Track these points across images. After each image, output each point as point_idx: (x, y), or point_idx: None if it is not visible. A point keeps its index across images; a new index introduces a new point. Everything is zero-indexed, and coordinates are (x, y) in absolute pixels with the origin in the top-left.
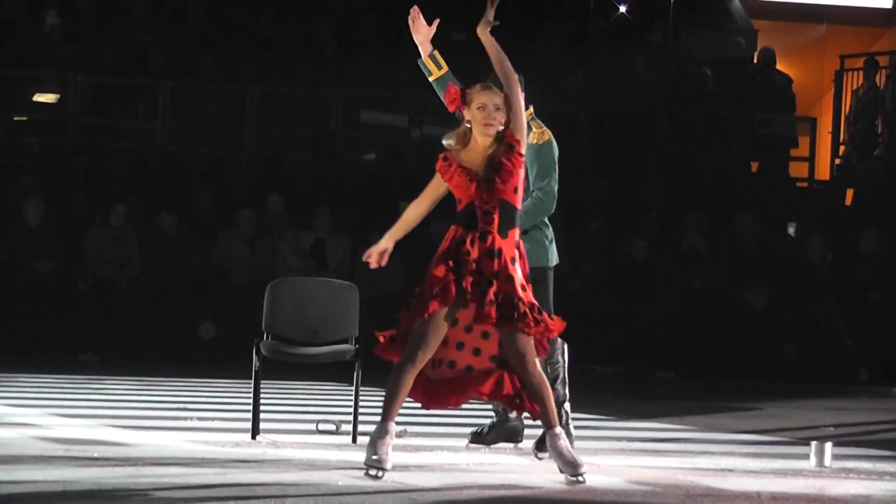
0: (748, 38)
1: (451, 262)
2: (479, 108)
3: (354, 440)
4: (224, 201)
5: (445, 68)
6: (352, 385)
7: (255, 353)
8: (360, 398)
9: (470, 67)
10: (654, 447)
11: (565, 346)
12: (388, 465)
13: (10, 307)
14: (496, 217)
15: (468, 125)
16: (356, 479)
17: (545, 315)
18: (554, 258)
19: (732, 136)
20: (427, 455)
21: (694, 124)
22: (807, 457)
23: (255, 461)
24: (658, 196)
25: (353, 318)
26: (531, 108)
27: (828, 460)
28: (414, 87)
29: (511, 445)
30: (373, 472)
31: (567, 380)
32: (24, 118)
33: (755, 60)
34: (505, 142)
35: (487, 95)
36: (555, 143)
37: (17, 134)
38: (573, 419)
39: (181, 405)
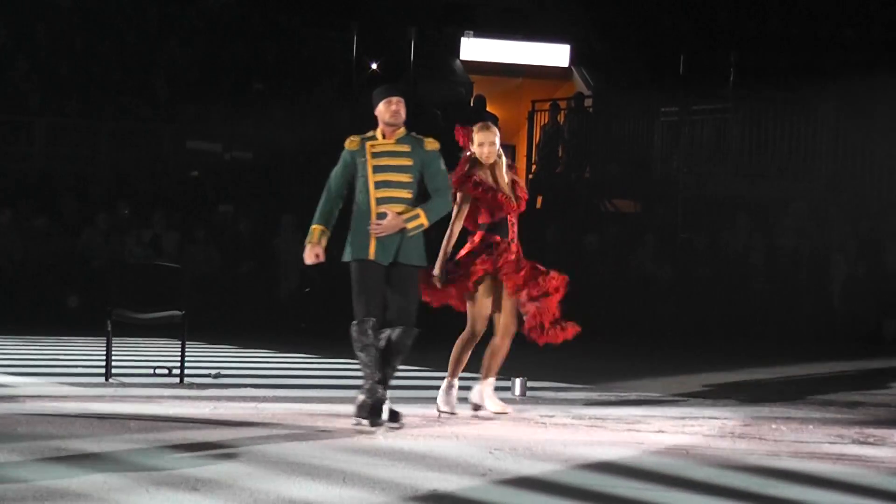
0: (467, 87)
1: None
2: (479, 145)
3: (182, 381)
4: (85, 207)
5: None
6: (179, 340)
7: (108, 318)
8: (186, 350)
9: (269, 114)
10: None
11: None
12: None
13: None
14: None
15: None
16: (184, 409)
17: None
18: None
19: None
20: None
21: None
22: (509, 389)
23: (108, 397)
24: None
25: (180, 292)
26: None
27: (521, 391)
28: (226, 121)
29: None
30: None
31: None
32: None
33: (472, 104)
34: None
35: (485, 135)
36: None
37: None
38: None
39: (51, 357)
